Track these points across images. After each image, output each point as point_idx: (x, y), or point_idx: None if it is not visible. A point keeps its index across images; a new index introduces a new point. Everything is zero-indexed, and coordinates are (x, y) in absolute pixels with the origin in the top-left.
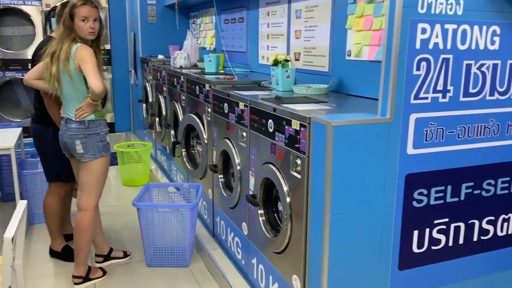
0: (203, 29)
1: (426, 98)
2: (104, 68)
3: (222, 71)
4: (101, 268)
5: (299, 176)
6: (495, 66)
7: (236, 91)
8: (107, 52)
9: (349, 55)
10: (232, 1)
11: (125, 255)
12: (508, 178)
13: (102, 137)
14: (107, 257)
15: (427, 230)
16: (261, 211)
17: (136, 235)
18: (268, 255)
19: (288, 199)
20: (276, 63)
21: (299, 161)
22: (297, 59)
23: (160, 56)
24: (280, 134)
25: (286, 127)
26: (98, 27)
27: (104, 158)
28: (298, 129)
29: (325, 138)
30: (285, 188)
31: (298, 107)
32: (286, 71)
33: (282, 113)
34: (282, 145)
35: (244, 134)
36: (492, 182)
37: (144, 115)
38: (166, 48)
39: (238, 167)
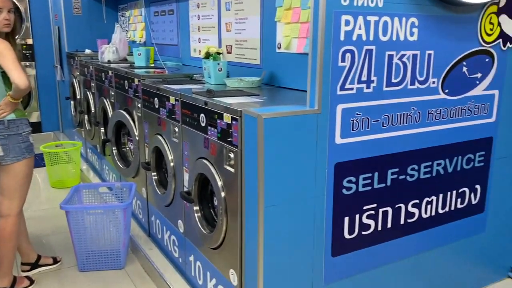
0: (133, 22)
1: (352, 89)
2: (27, 64)
3: (153, 65)
4: (28, 277)
5: (232, 170)
6: (414, 56)
7: (166, 85)
8: (29, 47)
9: (279, 48)
10: None
11: (55, 261)
12: (430, 163)
13: (25, 137)
14: (34, 265)
15: (357, 216)
16: (196, 208)
17: (68, 239)
18: (205, 252)
19: (222, 194)
20: (208, 56)
21: (232, 155)
22: (229, 52)
23: (88, 51)
24: (212, 128)
25: (218, 121)
26: (14, 18)
27: (28, 160)
28: (230, 122)
29: (256, 131)
30: (219, 183)
31: (230, 100)
32: (218, 64)
33: (214, 107)
34: (215, 139)
35: (176, 129)
36: (416, 167)
37: (73, 113)
38: (94, 42)
39: (172, 164)
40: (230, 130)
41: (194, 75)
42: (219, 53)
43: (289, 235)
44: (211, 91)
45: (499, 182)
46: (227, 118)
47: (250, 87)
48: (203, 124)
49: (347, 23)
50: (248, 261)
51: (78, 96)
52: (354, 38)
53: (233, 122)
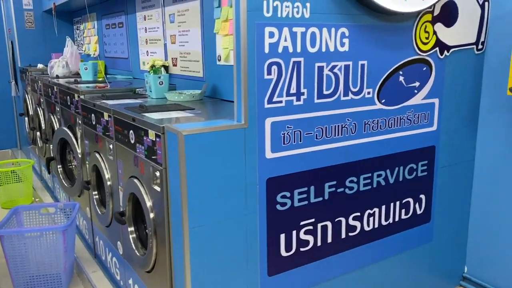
0: (87, 35)
1: (280, 101)
2: None
3: (101, 79)
4: None
5: (159, 190)
6: (347, 67)
7: (103, 101)
8: None
9: (219, 60)
10: (111, 6)
11: None
12: (369, 174)
13: None
14: None
15: (294, 232)
16: (131, 229)
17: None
18: (141, 275)
19: (151, 215)
20: (153, 69)
21: (158, 174)
22: (174, 65)
23: (40, 65)
24: (140, 146)
25: (144, 138)
26: None
27: None
28: (154, 139)
29: (177, 148)
30: (148, 204)
31: (160, 116)
32: (159, 77)
33: (140, 123)
34: (143, 157)
35: (111, 146)
36: (355, 179)
37: (27, 130)
38: (49, 56)
39: (109, 182)
40: (155, 148)
41: (137, 89)
42: (165, 66)
43: (220, 256)
44: (143, 107)
45: (444, 191)
46: (151, 135)
47: (191, 100)
48: (132, 141)
49: (271, 35)
50: (177, 285)
51: (30, 112)
52: (280, 50)
53: (157, 139)
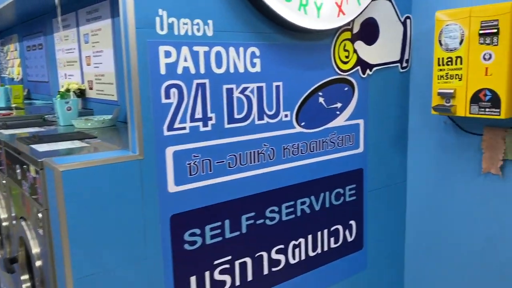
0: (10, 57)
1: (184, 128)
2: None
3: (16, 105)
4: None
5: (42, 233)
6: (260, 89)
7: (2, 130)
8: None
9: None
10: (31, 26)
11: None
12: (292, 203)
13: None
14: None
15: (207, 273)
16: (24, 277)
17: None
18: None
19: (38, 263)
20: (60, 93)
21: (40, 216)
22: (91, 88)
23: None
24: (25, 182)
25: (28, 173)
26: None
27: None
28: (35, 176)
29: (54, 186)
30: (35, 250)
31: (47, 148)
32: (67, 102)
33: (25, 157)
34: (28, 196)
35: (4, 182)
36: (276, 209)
37: None
38: None
39: (4, 223)
40: (36, 185)
41: (46, 116)
42: (81, 90)
43: None
44: (36, 137)
45: (376, 216)
46: (32, 170)
47: (100, 127)
48: (19, 178)
49: (168, 54)
50: None
51: None
52: (180, 71)
53: (37, 176)
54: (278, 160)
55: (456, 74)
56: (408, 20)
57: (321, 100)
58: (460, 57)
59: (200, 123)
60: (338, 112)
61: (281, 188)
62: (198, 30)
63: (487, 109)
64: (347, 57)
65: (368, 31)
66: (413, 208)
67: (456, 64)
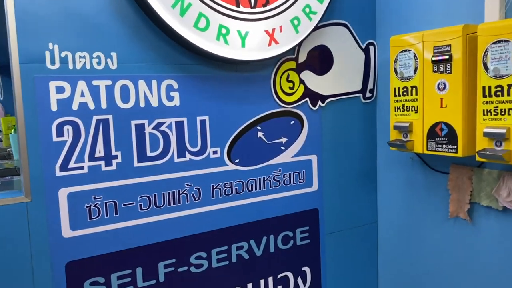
0: None
1: (81, 167)
2: None
3: None
4: None
5: None
6: (179, 124)
7: None
8: None
9: None
10: None
11: None
12: (225, 247)
13: None
14: None
15: None
16: None
17: None
18: None
19: None
20: None
21: None
22: None
23: None
24: None
25: None
26: None
27: None
28: None
29: None
30: None
31: None
32: None
33: None
34: None
35: None
36: (203, 254)
37: None
38: None
39: None
40: None
41: None
42: None
43: None
44: None
45: (338, 261)
46: None
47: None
48: None
49: (60, 90)
50: None
51: None
52: (76, 107)
53: None
54: (206, 201)
55: (412, 106)
56: (371, 47)
57: (260, 134)
58: (415, 86)
59: (102, 162)
60: (283, 148)
61: (210, 231)
62: (99, 63)
63: (444, 146)
64: (291, 88)
65: (318, 60)
66: (386, 252)
67: (411, 94)
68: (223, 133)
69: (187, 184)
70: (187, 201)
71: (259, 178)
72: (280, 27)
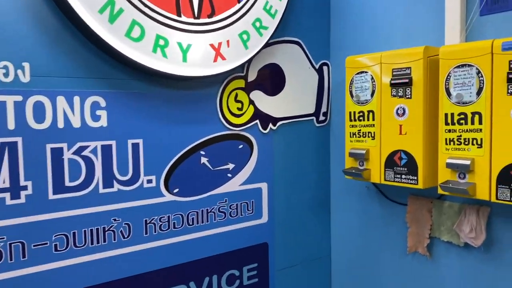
0: None
1: None
2: None
3: None
4: None
5: None
6: (106, 148)
7: None
8: None
9: None
10: None
11: None
12: None
13: None
14: None
15: None
16: None
17: None
18: None
19: None
20: None
21: None
22: None
23: None
24: None
25: None
26: None
27: None
28: None
29: None
30: None
31: None
32: None
33: None
34: None
35: None
36: None
37: None
38: None
39: None
40: None
41: None
42: None
43: None
44: None
45: None
46: None
47: None
48: None
49: None
50: None
51: None
52: None
53: None
54: (137, 238)
55: (369, 132)
56: (325, 67)
57: (204, 160)
58: (372, 111)
59: (6, 194)
60: (229, 175)
61: (143, 274)
62: (6, 74)
63: (403, 176)
64: (240, 109)
65: (270, 79)
66: (339, 287)
67: (368, 119)
68: (160, 158)
69: (115, 219)
70: (114, 239)
71: (202, 210)
72: (228, 41)
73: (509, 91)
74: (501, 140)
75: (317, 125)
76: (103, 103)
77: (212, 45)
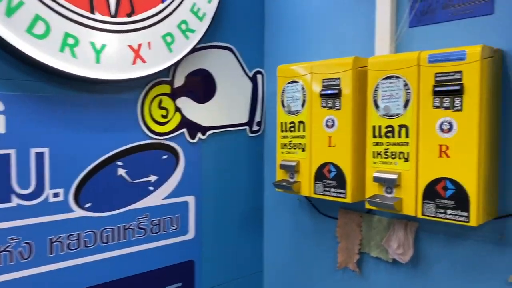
0: None
1: None
2: None
3: None
4: None
5: None
6: (4, 157)
7: None
8: None
9: None
10: None
11: None
12: None
13: None
14: None
15: None
16: None
17: None
18: None
19: None
20: None
21: None
22: None
23: None
24: None
25: None
26: None
27: None
28: None
29: None
30: None
31: None
32: None
33: None
34: None
35: None
36: None
37: None
38: None
39: None
40: None
41: None
42: None
43: None
44: None
45: None
46: None
47: None
48: None
49: None
50: None
51: None
52: None
53: None
54: (40, 259)
55: (300, 143)
56: (259, 76)
57: (121, 172)
58: (303, 122)
59: None
60: (151, 188)
61: None
62: None
63: (332, 189)
64: (164, 116)
65: (199, 85)
66: None
67: (299, 130)
68: (69, 169)
69: (12, 239)
70: (11, 261)
71: (118, 227)
72: (149, 43)
73: (435, 104)
74: (427, 154)
75: (251, 135)
76: (0, 106)
77: (130, 47)
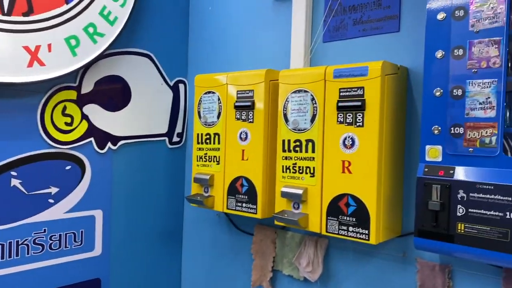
0: None
1: None
2: None
3: None
4: None
5: None
6: None
7: None
8: None
9: None
10: None
11: None
12: None
13: None
14: None
15: None
16: None
17: None
18: None
19: None
20: None
21: None
22: None
23: None
24: None
25: None
26: None
27: None
28: None
29: None
30: None
31: None
32: None
33: None
34: None
35: None
36: None
37: None
38: None
39: None
40: None
41: None
42: None
43: None
44: None
45: None
46: None
47: None
48: None
49: None
50: None
51: None
52: None
53: None
54: None
55: (215, 156)
56: (181, 85)
57: (15, 182)
58: (218, 134)
59: None
60: (51, 201)
61: None
62: None
63: (244, 205)
64: (69, 124)
65: (111, 93)
66: None
67: (214, 142)
68: None
69: None
70: None
71: (10, 242)
72: (49, 45)
73: (339, 120)
74: (331, 169)
75: (170, 146)
76: None
77: (26, 48)
